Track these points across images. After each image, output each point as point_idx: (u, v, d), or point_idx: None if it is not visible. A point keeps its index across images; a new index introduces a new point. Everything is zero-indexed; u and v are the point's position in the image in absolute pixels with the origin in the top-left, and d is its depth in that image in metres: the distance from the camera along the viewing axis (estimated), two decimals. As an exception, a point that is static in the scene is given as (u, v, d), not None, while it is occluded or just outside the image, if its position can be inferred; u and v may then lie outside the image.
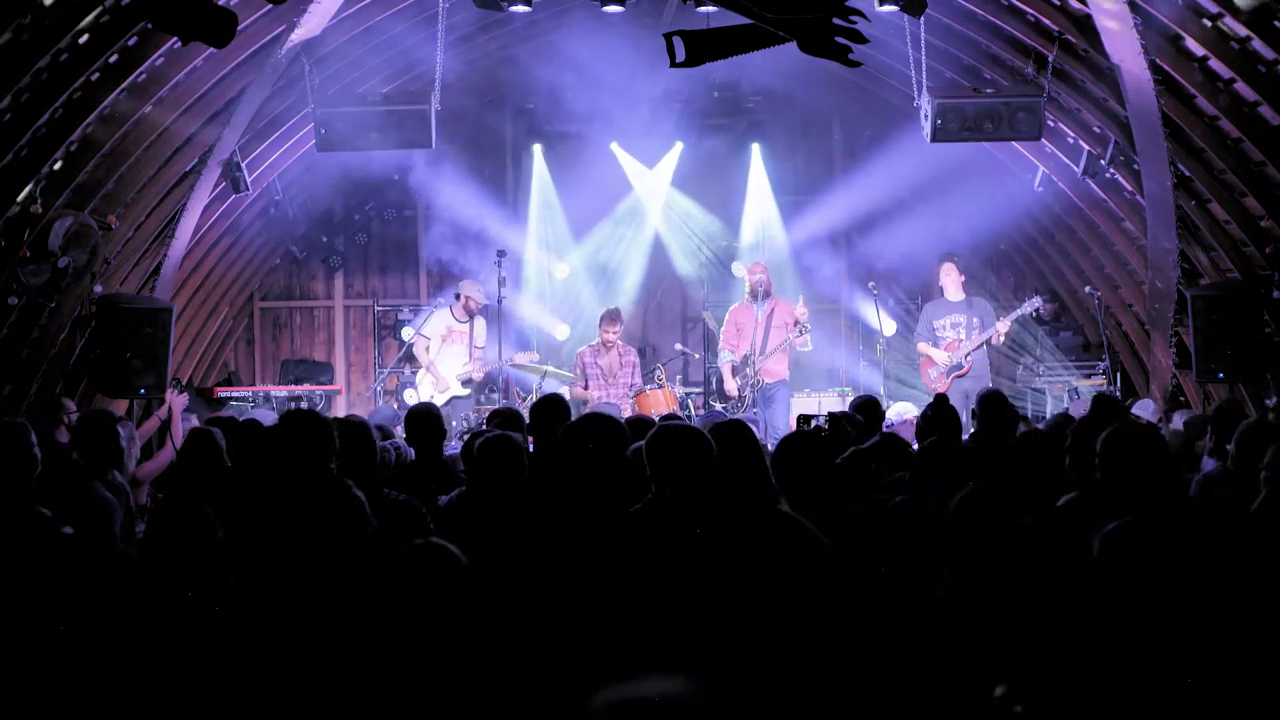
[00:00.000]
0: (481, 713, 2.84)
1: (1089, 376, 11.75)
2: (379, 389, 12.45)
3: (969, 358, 10.58)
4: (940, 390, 9.94)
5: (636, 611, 3.24)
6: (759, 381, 10.66)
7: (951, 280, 10.86)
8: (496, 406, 9.21)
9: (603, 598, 3.35)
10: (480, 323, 11.42)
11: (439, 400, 10.85)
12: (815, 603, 2.95)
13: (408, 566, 3.01)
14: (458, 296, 11.45)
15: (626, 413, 9.42)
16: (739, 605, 2.96)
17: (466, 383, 11.28)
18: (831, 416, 6.29)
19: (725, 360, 10.92)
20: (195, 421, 8.16)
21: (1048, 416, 10.83)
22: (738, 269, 13.54)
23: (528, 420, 6.10)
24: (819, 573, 2.99)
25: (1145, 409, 8.88)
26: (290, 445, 4.01)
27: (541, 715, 2.85)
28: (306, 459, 3.97)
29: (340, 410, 12.34)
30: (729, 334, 11.06)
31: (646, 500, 4.16)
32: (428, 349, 11.33)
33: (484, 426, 10.12)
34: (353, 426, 5.14)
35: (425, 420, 6.01)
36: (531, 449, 5.90)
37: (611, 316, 11.20)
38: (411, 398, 11.33)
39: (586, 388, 11.06)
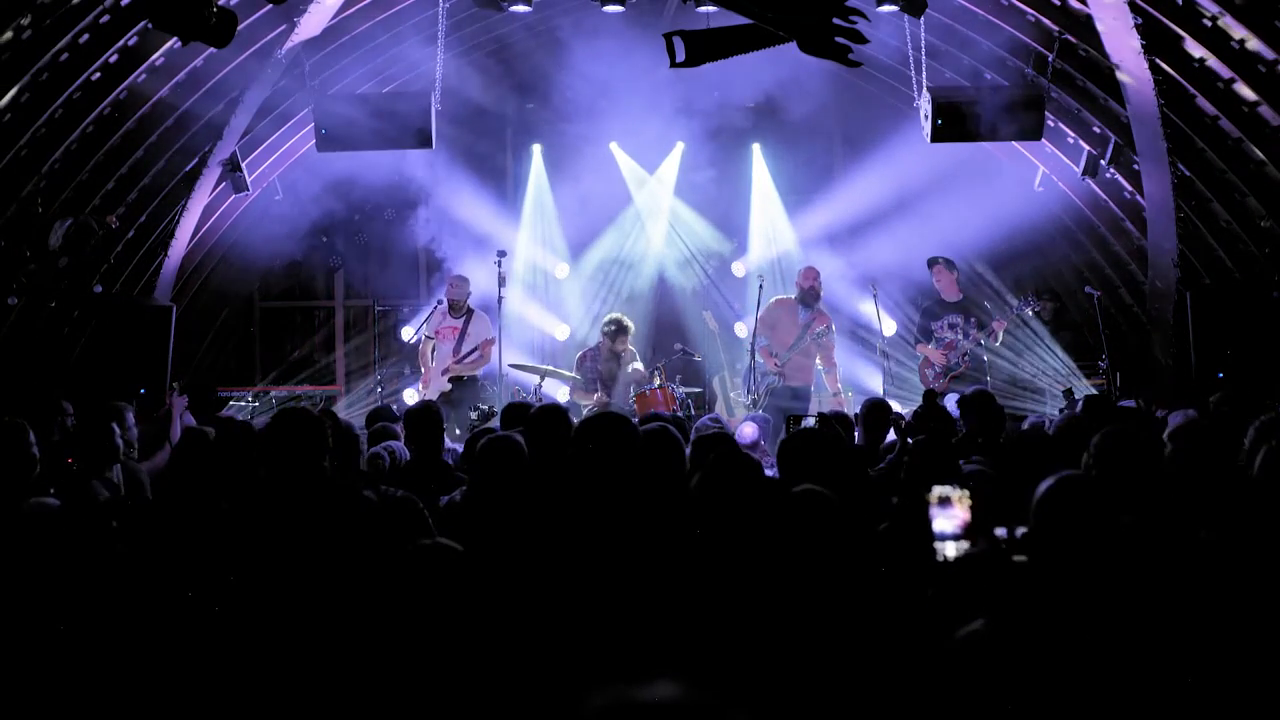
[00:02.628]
0: (486, 713, 2.84)
1: (1089, 376, 11.74)
2: (379, 389, 12.43)
3: (966, 358, 10.57)
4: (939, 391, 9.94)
5: (640, 610, 3.23)
6: (779, 381, 10.59)
7: (945, 282, 10.85)
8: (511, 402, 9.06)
9: (605, 596, 3.35)
10: (479, 318, 11.12)
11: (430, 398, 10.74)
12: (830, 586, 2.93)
13: (414, 567, 3.00)
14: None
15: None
16: (746, 601, 2.96)
17: (455, 379, 11.04)
18: (821, 418, 6.27)
19: (762, 344, 10.82)
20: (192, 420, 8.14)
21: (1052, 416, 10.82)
22: (738, 268, 13.55)
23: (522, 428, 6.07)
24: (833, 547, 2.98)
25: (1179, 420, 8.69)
26: (282, 444, 4.00)
27: (546, 716, 2.84)
28: (299, 458, 3.96)
29: (340, 410, 12.34)
30: (765, 323, 10.93)
31: (646, 499, 4.16)
32: (433, 350, 11.03)
33: (483, 415, 10.10)
34: (333, 426, 5.12)
35: (423, 420, 5.98)
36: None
37: (624, 330, 11.05)
38: (412, 398, 11.28)
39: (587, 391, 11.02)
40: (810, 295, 10.85)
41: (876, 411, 7.11)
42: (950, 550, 2.94)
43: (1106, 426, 4.01)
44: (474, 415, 10.28)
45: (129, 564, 3.87)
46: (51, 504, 3.96)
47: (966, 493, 2.97)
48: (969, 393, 6.82)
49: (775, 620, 2.91)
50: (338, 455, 4.91)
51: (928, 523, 2.95)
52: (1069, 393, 11.04)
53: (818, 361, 10.92)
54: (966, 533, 2.94)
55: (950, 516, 2.96)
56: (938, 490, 2.96)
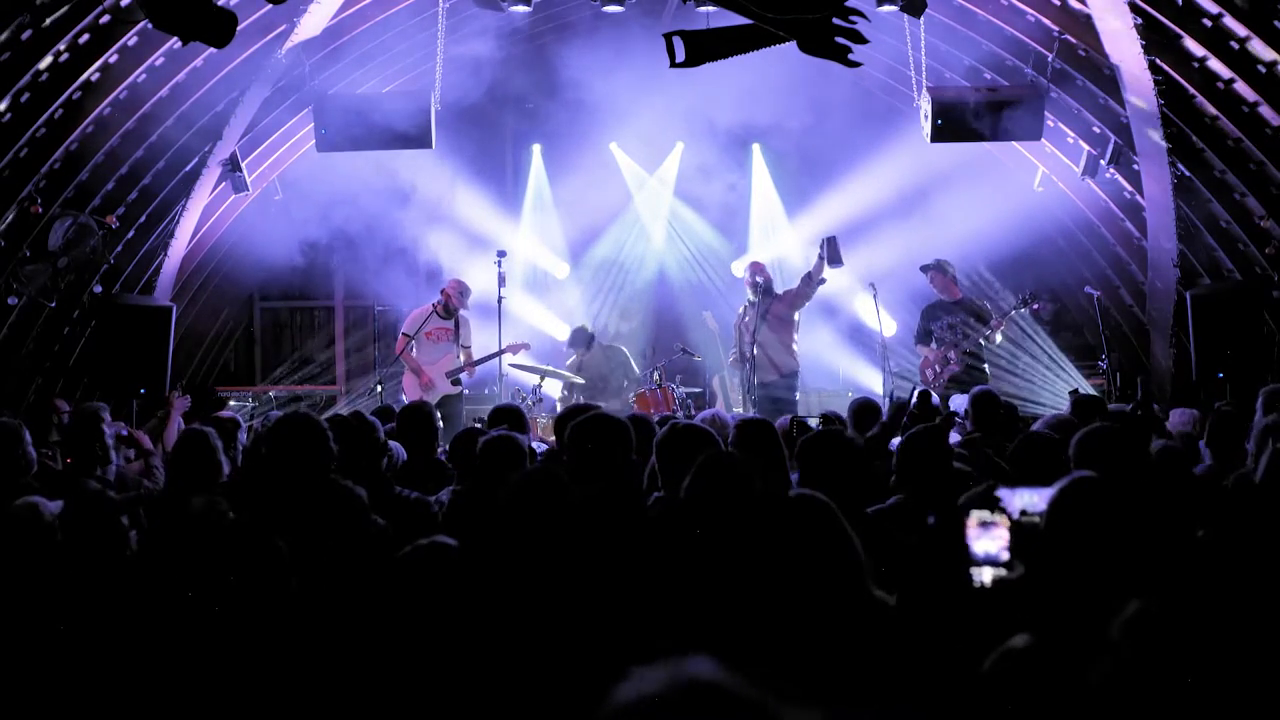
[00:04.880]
0: (485, 711, 2.83)
1: (1089, 376, 11.74)
2: (378, 389, 12.39)
3: (966, 358, 10.56)
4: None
5: (643, 609, 3.23)
6: (753, 383, 10.49)
7: (941, 284, 10.82)
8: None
9: (609, 595, 3.35)
10: (465, 320, 10.95)
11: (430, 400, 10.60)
12: (836, 583, 2.91)
13: (412, 566, 3.00)
14: (442, 292, 11.00)
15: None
16: (748, 598, 2.95)
17: (457, 381, 10.94)
18: (824, 419, 6.25)
19: (731, 353, 10.82)
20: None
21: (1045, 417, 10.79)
22: (737, 268, 13.54)
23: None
24: (839, 553, 2.95)
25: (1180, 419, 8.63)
26: (285, 449, 4.00)
27: (546, 714, 2.84)
28: (301, 463, 3.96)
29: (340, 410, 12.29)
30: (736, 331, 10.92)
31: (656, 499, 4.17)
32: (412, 348, 10.74)
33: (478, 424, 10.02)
34: (358, 426, 5.11)
35: (418, 419, 5.97)
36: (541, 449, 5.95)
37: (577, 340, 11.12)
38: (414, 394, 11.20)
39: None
40: (760, 288, 10.72)
41: (865, 413, 7.04)
42: (987, 576, 2.88)
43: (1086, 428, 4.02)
44: (478, 425, 10.17)
45: (131, 563, 3.87)
46: (38, 501, 3.93)
47: (1008, 516, 2.91)
48: (976, 392, 6.79)
49: (780, 625, 2.90)
50: (364, 455, 4.93)
51: (965, 546, 2.88)
52: (1075, 394, 11.04)
53: (797, 316, 10.74)
54: (1007, 558, 2.87)
55: (991, 539, 2.89)
56: (978, 514, 2.91)
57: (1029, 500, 2.96)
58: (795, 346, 10.73)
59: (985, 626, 2.84)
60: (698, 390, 11.97)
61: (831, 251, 10.22)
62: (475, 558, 3.08)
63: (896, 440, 6.13)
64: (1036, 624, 2.73)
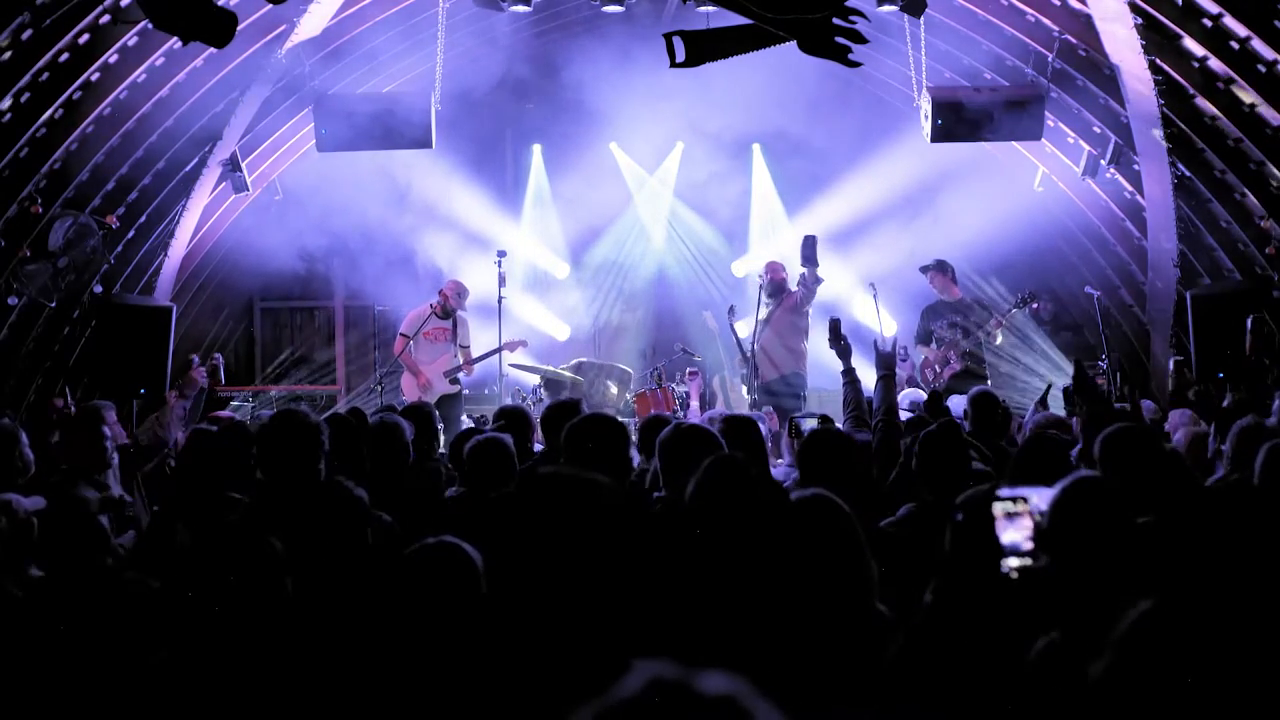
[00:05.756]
0: (489, 713, 2.83)
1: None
2: (378, 389, 12.38)
3: (965, 358, 10.55)
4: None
5: (644, 610, 3.23)
6: (756, 381, 10.47)
7: (941, 284, 10.81)
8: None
9: (611, 596, 3.34)
10: (463, 320, 11.00)
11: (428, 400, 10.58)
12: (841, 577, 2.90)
13: (419, 566, 3.00)
14: (440, 293, 11.04)
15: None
16: (753, 600, 2.94)
17: (455, 381, 10.98)
18: (823, 420, 6.23)
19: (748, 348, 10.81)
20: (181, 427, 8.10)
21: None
22: (738, 268, 13.54)
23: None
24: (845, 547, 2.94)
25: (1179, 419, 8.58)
26: (276, 447, 4.00)
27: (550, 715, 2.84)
28: (293, 461, 3.95)
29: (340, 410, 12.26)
30: (747, 328, 10.92)
31: (659, 499, 4.16)
32: (411, 349, 10.78)
33: (479, 423, 10.04)
34: (386, 428, 5.15)
35: (419, 420, 5.99)
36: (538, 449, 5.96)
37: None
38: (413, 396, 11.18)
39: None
40: (775, 287, 10.67)
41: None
42: (1014, 566, 2.86)
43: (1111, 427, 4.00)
44: (472, 422, 10.21)
45: (128, 563, 3.87)
46: (11, 498, 3.92)
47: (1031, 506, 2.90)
48: (975, 393, 6.79)
49: (785, 628, 2.89)
50: (383, 454, 4.98)
51: (994, 536, 2.86)
52: (1065, 391, 11.01)
53: (801, 319, 10.65)
54: (1033, 547, 2.86)
55: (1017, 529, 2.88)
56: (1002, 504, 2.90)
57: (1031, 500, 2.96)
58: (802, 348, 10.67)
59: (1017, 618, 2.84)
60: (697, 390, 11.94)
61: (807, 251, 10.22)
62: (484, 557, 3.08)
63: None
64: (1060, 618, 2.72)
